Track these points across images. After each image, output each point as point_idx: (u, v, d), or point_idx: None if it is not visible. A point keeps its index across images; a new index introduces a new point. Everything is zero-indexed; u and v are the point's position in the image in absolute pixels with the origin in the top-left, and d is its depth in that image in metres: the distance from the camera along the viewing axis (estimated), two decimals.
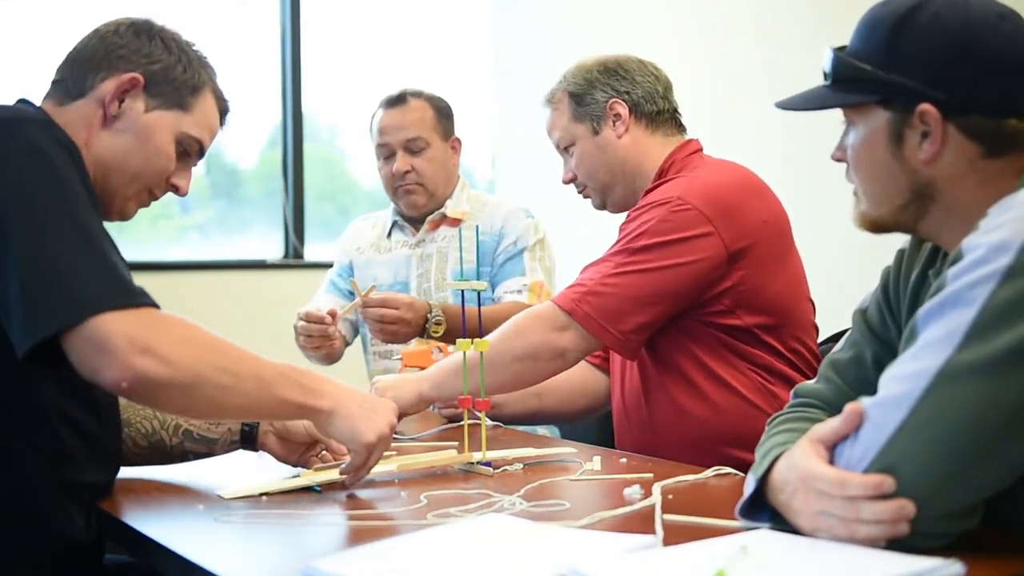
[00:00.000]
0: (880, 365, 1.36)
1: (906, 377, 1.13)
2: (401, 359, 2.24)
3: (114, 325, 1.30)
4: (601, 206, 2.21)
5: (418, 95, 2.76)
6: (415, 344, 2.54)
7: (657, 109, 2.14)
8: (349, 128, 5.34)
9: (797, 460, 1.20)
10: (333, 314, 2.46)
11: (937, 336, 1.13)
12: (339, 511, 1.45)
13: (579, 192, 2.23)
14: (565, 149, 2.19)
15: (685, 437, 1.98)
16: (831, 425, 1.19)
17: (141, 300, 1.35)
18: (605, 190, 2.17)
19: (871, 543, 1.12)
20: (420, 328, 2.47)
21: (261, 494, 1.53)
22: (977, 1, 1.26)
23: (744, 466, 1.76)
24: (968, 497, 1.12)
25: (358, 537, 1.31)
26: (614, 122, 2.13)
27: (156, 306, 1.37)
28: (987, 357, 1.09)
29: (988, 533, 1.17)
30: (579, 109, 2.15)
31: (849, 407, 1.17)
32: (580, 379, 2.28)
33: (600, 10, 4.85)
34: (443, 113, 2.78)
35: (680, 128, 2.18)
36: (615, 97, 2.13)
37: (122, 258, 1.42)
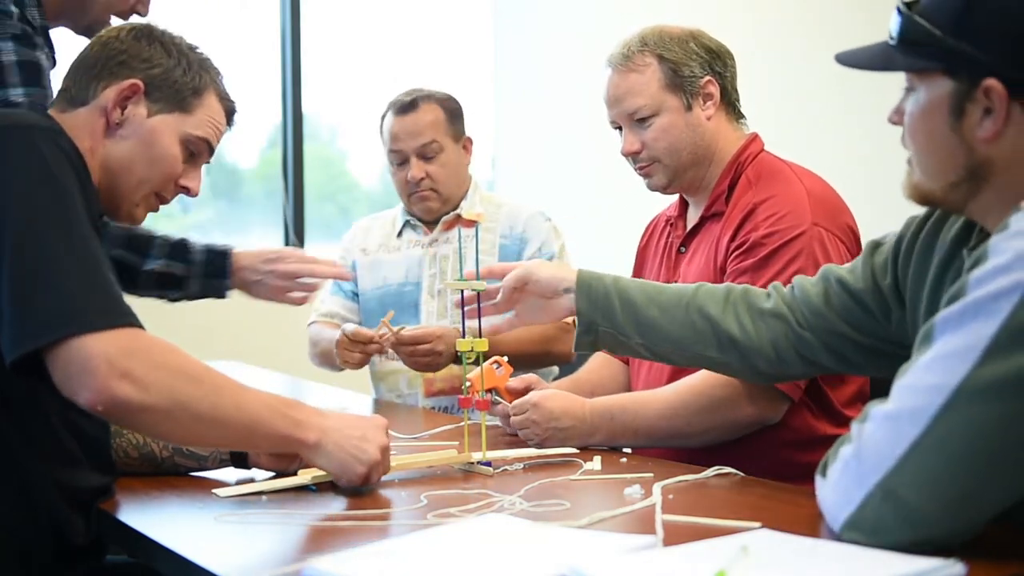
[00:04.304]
0: (855, 299, 1.51)
1: (922, 390, 1.11)
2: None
3: (95, 346, 1.30)
4: (664, 186, 2.07)
5: (429, 98, 2.72)
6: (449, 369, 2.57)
7: (737, 96, 2.07)
8: (349, 128, 5.35)
9: None
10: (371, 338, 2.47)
11: (955, 348, 1.10)
12: (339, 511, 1.45)
13: (641, 167, 2.06)
14: (641, 120, 2.02)
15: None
16: None
17: (126, 320, 1.35)
18: (681, 170, 2.03)
19: None
20: (453, 356, 2.45)
21: (259, 492, 1.53)
22: None
23: (784, 464, 1.77)
24: (978, 515, 1.12)
25: (358, 537, 1.31)
26: (704, 101, 2.02)
27: (141, 327, 1.37)
28: (1005, 376, 1.07)
29: (988, 533, 1.16)
30: (675, 78, 2.00)
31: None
32: (613, 375, 2.24)
33: (600, 10, 4.85)
34: (454, 114, 2.76)
35: (743, 117, 2.10)
36: (710, 76, 2.02)
37: (114, 273, 1.42)
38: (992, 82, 1.18)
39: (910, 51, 1.24)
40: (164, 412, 1.35)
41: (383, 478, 1.61)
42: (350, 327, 2.51)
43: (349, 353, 2.51)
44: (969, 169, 1.23)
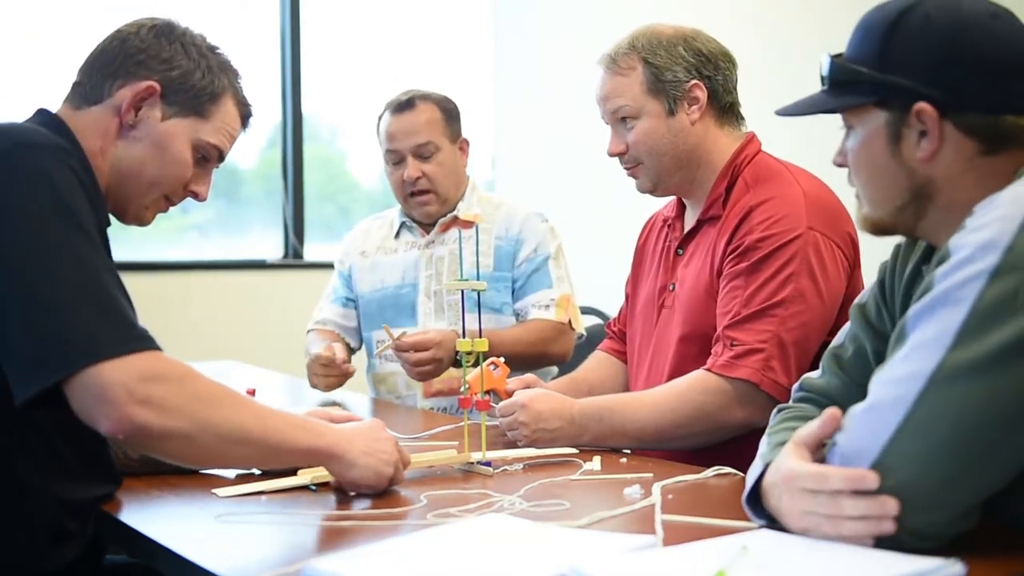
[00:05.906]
0: (881, 359, 1.37)
1: (899, 380, 1.13)
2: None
3: (112, 374, 1.28)
4: (650, 189, 2.06)
5: (426, 98, 2.72)
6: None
7: (730, 101, 2.04)
8: (349, 128, 5.34)
9: (781, 463, 1.21)
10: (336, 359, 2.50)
11: (928, 337, 1.13)
12: (338, 511, 1.45)
13: (627, 168, 2.06)
14: (622, 119, 2.02)
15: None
16: (811, 428, 1.20)
17: (142, 345, 1.32)
18: (664, 174, 2.03)
19: (857, 541, 1.12)
20: (452, 360, 2.46)
21: (259, 492, 1.53)
22: (969, 1, 1.27)
23: None
24: (968, 498, 1.12)
25: (358, 537, 1.31)
26: (689, 105, 2.00)
27: (158, 348, 1.34)
28: (980, 357, 1.09)
29: (988, 533, 1.17)
30: (657, 83, 1.98)
31: (828, 412, 1.19)
32: (613, 375, 2.24)
33: (600, 11, 4.85)
34: (451, 115, 2.76)
35: (741, 120, 2.08)
36: (697, 79, 1.99)
37: (126, 295, 1.40)
38: (922, 105, 1.25)
39: (843, 91, 1.32)
40: (187, 436, 1.33)
41: None
42: (317, 351, 2.54)
43: (323, 379, 2.54)
44: (913, 191, 1.29)
